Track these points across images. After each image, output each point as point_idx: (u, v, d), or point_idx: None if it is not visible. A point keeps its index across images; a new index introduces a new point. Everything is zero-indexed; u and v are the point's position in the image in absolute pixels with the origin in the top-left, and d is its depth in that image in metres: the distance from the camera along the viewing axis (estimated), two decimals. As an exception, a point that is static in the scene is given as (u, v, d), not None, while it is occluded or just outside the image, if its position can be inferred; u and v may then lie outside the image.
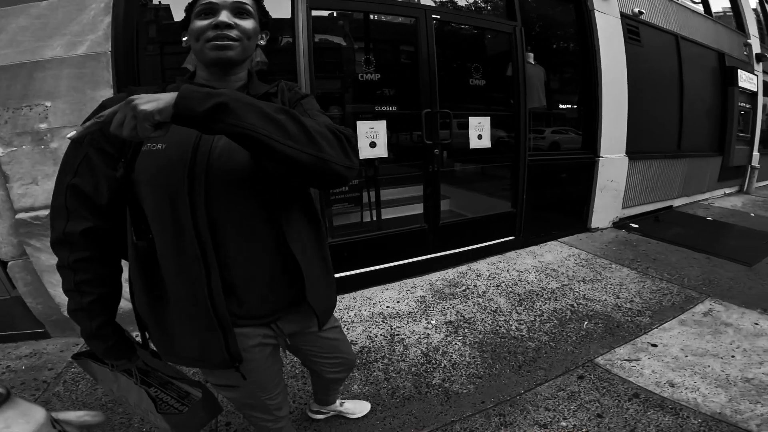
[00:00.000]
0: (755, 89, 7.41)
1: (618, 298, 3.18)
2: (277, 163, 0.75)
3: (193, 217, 0.85)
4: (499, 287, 3.38)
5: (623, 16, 4.86)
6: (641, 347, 2.53)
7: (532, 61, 4.36)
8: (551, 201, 4.40)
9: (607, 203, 4.75)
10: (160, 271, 0.90)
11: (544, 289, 3.32)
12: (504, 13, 4.03)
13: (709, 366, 2.28)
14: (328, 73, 3.44)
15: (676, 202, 6.02)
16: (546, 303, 3.10)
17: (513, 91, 3.93)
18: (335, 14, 3.44)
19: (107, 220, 0.91)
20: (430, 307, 3.01)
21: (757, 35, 8.10)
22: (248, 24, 0.89)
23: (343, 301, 3.10)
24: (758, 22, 8.36)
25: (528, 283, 3.45)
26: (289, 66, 2.85)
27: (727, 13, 7.36)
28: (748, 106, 7.28)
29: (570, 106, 4.85)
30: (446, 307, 3.01)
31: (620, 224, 5.01)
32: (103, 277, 0.94)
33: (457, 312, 2.95)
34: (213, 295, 0.89)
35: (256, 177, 0.87)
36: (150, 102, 0.63)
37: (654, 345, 2.54)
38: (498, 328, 2.76)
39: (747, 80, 7.05)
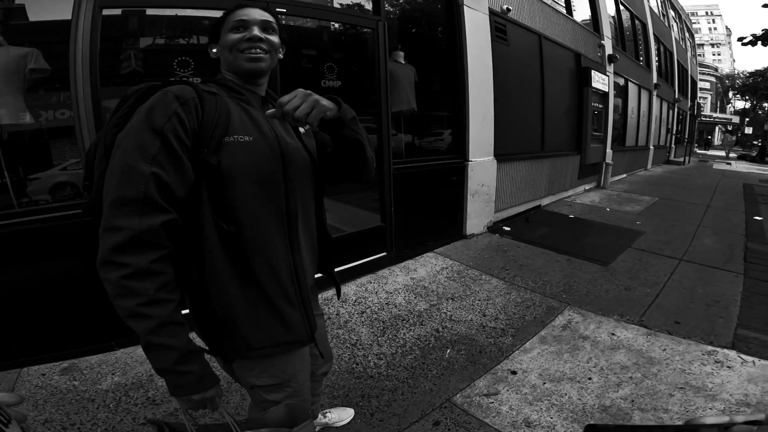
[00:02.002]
0: (607, 90, 8.41)
1: (484, 316, 3.12)
2: (361, 161, 1.16)
3: (287, 203, 1.03)
4: (364, 314, 3.12)
5: (492, 13, 4.98)
6: (501, 376, 2.43)
7: (401, 60, 4.18)
8: (424, 210, 4.29)
9: (480, 208, 4.83)
10: (248, 257, 0.98)
11: (411, 313, 3.15)
12: (370, 8, 3.78)
13: (566, 394, 2.23)
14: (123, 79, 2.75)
15: (544, 201, 6.51)
16: (411, 329, 2.91)
17: (374, 92, 3.68)
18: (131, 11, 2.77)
19: (180, 213, 0.91)
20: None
21: (610, 36, 9.25)
22: (275, 38, 1.06)
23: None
24: (611, 24, 9.60)
25: (395, 306, 3.25)
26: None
27: (584, 20, 8.27)
28: (600, 106, 8.24)
29: (440, 109, 4.80)
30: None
31: (494, 228, 5.16)
32: (174, 279, 0.91)
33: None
34: (297, 272, 1.07)
35: (314, 171, 1.14)
36: (323, 100, 0.93)
37: (514, 372, 2.46)
38: (355, 365, 2.49)
39: (600, 81, 7.94)
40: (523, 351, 2.68)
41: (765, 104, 38.12)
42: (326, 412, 1.96)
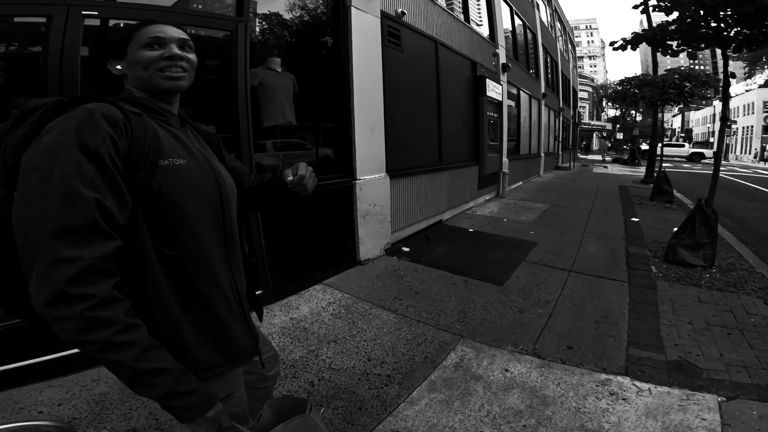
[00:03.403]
0: (501, 99, 8.74)
1: (369, 360, 2.75)
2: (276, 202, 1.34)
3: (224, 221, 1.05)
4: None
5: (385, 16, 4.71)
6: (382, 444, 2.05)
7: (278, 68, 3.70)
8: (308, 238, 3.82)
9: (375, 230, 4.50)
10: (192, 278, 0.96)
11: (285, 363, 2.72)
12: (233, 8, 3.24)
13: (454, 461, 1.91)
14: None
15: (446, 216, 6.44)
16: (281, 385, 2.47)
17: (231, 104, 3.13)
18: None
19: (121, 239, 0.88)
20: (109, 409, 2.20)
21: (504, 45, 9.68)
22: (192, 56, 1.07)
23: None
24: (506, 34, 10.07)
25: None
26: None
27: (479, 24, 8.48)
28: (496, 115, 8.53)
29: (324, 122, 4.37)
30: (135, 408, 2.20)
31: (393, 250, 4.88)
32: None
33: (150, 414, 2.17)
34: (237, 287, 1.10)
35: (237, 193, 1.18)
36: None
37: (396, 435, 2.10)
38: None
39: (494, 90, 8.19)
40: (410, 403, 2.34)
41: (633, 111, 44.36)
42: None
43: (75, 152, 0.80)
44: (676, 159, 30.25)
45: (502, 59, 9.24)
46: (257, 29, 3.83)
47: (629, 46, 4.76)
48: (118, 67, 1.03)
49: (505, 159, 9.19)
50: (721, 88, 4.48)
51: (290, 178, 1.11)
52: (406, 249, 4.96)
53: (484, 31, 8.64)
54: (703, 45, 4.37)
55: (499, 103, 8.69)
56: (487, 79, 7.74)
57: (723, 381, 2.51)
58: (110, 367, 0.80)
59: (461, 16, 7.30)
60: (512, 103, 10.82)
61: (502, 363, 2.72)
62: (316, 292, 3.77)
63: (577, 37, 73.67)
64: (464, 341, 2.98)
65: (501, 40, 9.34)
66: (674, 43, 4.49)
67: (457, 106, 6.87)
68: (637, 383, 2.49)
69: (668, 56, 4.69)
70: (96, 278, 0.78)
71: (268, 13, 3.89)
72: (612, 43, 4.92)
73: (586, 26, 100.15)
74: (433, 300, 3.64)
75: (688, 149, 34.42)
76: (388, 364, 2.70)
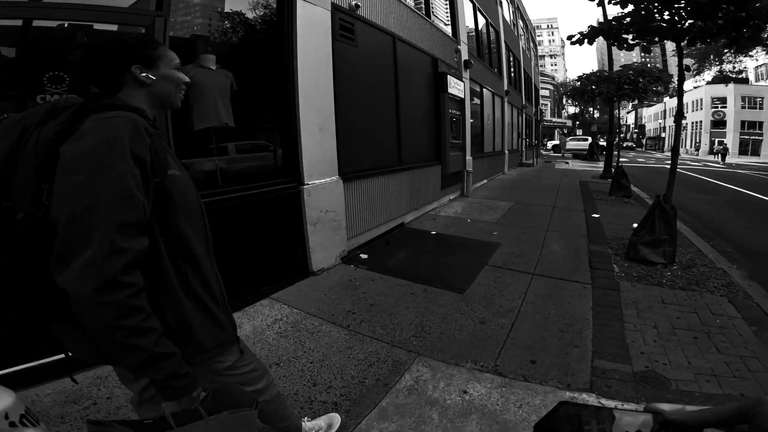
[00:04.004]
0: (463, 96, 8.54)
1: (314, 386, 2.45)
2: None
3: (205, 224, 1.22)
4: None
5: (336, 9, 4.38)
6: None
7: (212, 65, 3.31)
8: (252, 250, 3.46)
9: (328, 238, 4.17)
10: (189, 271, 1.10)
11: None
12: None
13: None
14: None
15: (408, 218, 6.18)
16: None
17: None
18: None
19: None
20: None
21: (467, 42, 9.51)
22: None
23: None
24: (468, 30, 9.89)
25: None
26: None
27: (444, 23, 8.26)
28: (458, 112, 8.32)
29: (267, 123, 3.98)
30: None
31: (350, 257, 4.56)
32: None
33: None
34: (219, 281, 1.25)
35: None
36: None
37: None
38: None
39: (456, 87, 7.98)
40: (356, 436, 2.05)
41: (591, 108, 45.73)
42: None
43: (128, 158, 0.91)
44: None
45: (465, 56, 9.07)
46: (192, 24, 3.42)
47: (586, 40, 4.65)
48: (145, 75, 1.10)
49: (468, 157, 9.04)
50: (675, 82, 4.41)
51: None
52: (364, 256, 4.66)
53: (446, 27, 8.44)
54: (657, 38, 4.28)
55: (462, 101, 8.51)
56: (449, 76, 7.53)
57: (693, 393, 2.35)
58: (127, 351, 0.89)
59: (422, 11, 7.04)
60: (476, 101, 10.72)
61: (461, 383, 2.47)
62: (262, 308, 3.42)
63: (539, 36, 75.59)
64: (420, 359, 2.71)
65: (463, 36, 9.17)
66: (629, 37, 4.39)
67: (418, 104, 6.62)
68: (603, 401, 2.29)
69: (623, 50, 4.61)
70: (136, 269, 0.90)
71: (199, 5, 3.49)
72: (569, 37, 4.80)
73: (548, 25, 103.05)
74: (389, 313, 3.36)
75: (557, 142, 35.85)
76: (335, 389, 2.40)
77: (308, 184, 3.86)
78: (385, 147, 5.51)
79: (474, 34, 11.22)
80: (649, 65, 11.97)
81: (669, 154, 43.90)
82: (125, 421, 1.01)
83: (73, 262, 0.84)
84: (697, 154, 41.10)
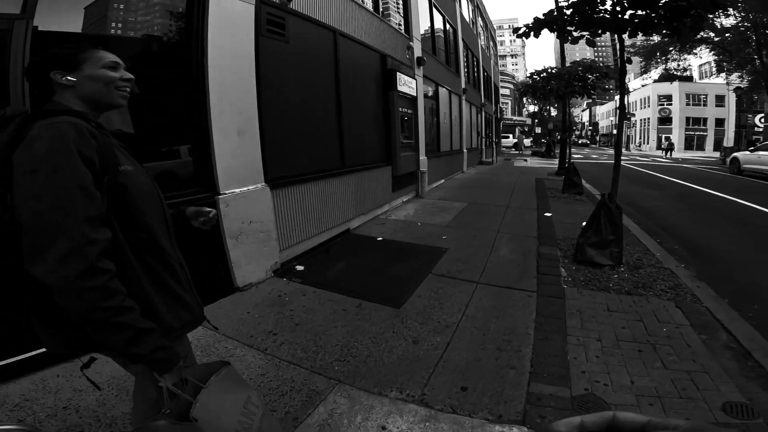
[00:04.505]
0: (416, 94, 8.25)
1: None
2: None
3: (164, 212, 1.29)
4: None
5: (264, 2, 3.96)
6: None
7: None
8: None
9: (255, 251, 3.77)
10: (152, 256, 1.18)
11: (101, 423, 1.98)
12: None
13: None
14: None
15: (354, 223, 5.84)
16: None
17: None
18: None
19: None
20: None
21: (420, 38, 9.23)
22: None
23: None
24: (423, 26, 9.59)
25: (79, 413, 1.99)
26: None
27: (394, 18, 7.93)
28: (410, 111, 8.04)
29: (177, 129, 3.49)
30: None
31: (284, 270, 4.18)
32: None
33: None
34: (183, 265, 1.31)
35: None
36: None
37: None
38: None
39: (407, 84, 7.68)
40: None
41: (548, 106, 47.00)
42: None
43: (77, 159, 0.99)
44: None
45: (418, 52, 8.80)
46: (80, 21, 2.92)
47: (532, 33, 4.45)
48: (64, 78, 1.12)
49: (422, 157, 8.78)
50: (618, 76, 4.28)
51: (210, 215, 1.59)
52: (300, 267, 4.28)
53: (398, 23, 8.14)
54: (600, 30, 4.12)
55: (414, 99, 8.24)
56: (399, 73, 7.22)
57: (632, 420, 2.12)
58: (114, 329, 0.99)
59: (369, 5, 6.69)
60: (431, 99, 10.50)
61: (380, 417, 2.15)
62: (170, 337, 2.98)
63: (500, 36, 77.04)
64: (340, 388, 2.38)
65: (417, 32, 8.90)
66: (573, 29, 4.22)
67: (364, 103, 6.28)
68: (534, 438, 2.03)
69: (570, 43, 4.44)
70: (107, 256, 1.01)
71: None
72: (516, 30, 4.59)
73: (509, 26, 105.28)
74: (315, 333, 3.00)
75: (512, 140, 37.04)
76: None
77: (225, 194, 3.43)
78: (326, 149, 5.14)
79: (430, 31, 11.00)
80: (600, 63, 12.13)
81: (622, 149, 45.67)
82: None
83: (50, 255, 0.92)
84: (640, 150, 43.07)
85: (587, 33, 4.35)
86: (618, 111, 4.40)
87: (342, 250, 4.96)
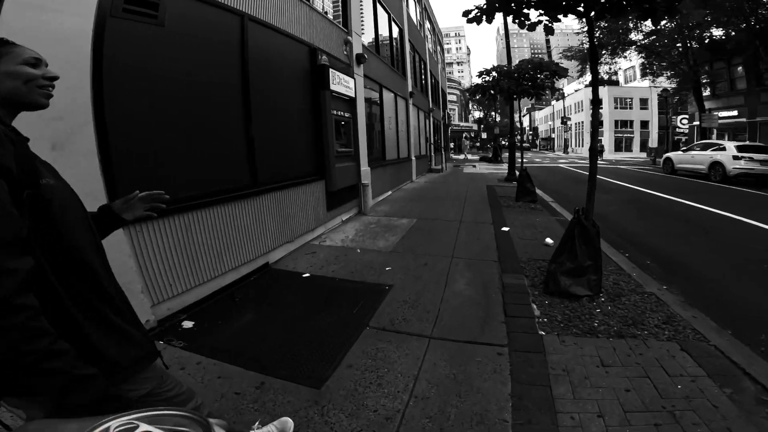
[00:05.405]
0: (354, 95, 7.16)
1: None
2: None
3: (93, 234, 1.11)
4: None
5: None
6: None
7: None
8: None
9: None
10: (84, 285, 1.00)
11: None
12: None
13: None
14: None
15: (276, 254, 4.66)
16: None
17: None
18: None
19: None
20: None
21: (361, 34, 8.23)
22: None
23: None
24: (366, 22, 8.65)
25: None
26: None
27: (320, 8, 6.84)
28: (348, 115, 6.96)
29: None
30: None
31: (165, 329, 3.01)
32: None
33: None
34: (123, 295, 1.14)
35: None
36: None
37: None
38: None
39: (344, 84, 6.59)
40: None
41: (493, 113, 47.99)
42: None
43: None
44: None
45: (358, 49, 7.81)
46: None
47: (484, 17, 3.62)
48: None
49: (364, 168, 7.75)
50: (588, 66, 3.50)
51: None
52: (188, 324, 3.09)
53: (335, 14, 7.12)
54: (563, 13, 3.35)
55: (352, 101, 7.20)
56: (333, 70, 6.15)
57: None
58: (44, 377, 0.81)
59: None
60: (374, 102, 9.56)
61: None
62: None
63: (447, 44, 78.68)
64: None
65: (356, 26, 7.92)
66: (530, 12, 3.42)
67: (286, 105, 5.15)
68: None
69: (525, 29, 3.64)
70: (28, 289, 0.82)
71: None
72: (466, 13, 3.73)
73: (455, 33, 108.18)
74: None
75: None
76: None
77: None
78: (227, 164, 3.94)
79: (373, 28, 10.10)
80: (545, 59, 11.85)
81: (560, 153, 48.00)
82: None
83: None
84: (575, 153, 45.10)
85: (546, 18, 3.60)
86: (592, 105, 3.63)
87: (255, 293, 3.79)
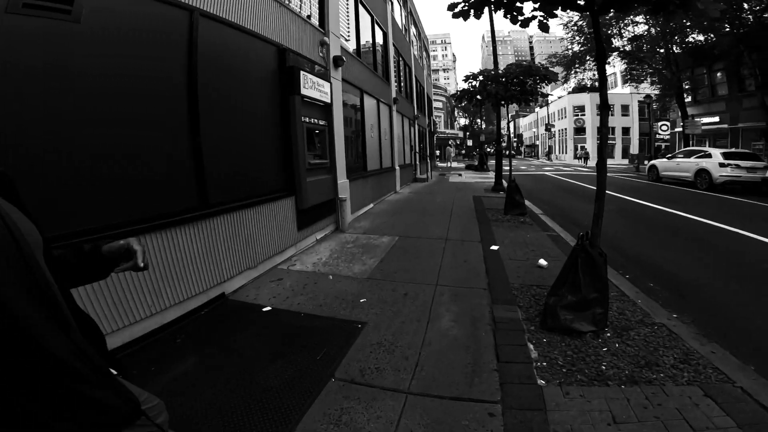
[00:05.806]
0: (330, 100, 6.59)
1: None
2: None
3: (34, 280, 0.81)
4: None
5: None
6: None
7: None
8: None
9: None
10: (19, 354, 0.76)
11: None
12: None
13: None
14: None
15: (235, 283, 4.09)
16: None
17: None
18: None
19: None
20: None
21: (340, 36, 7.72)
22: None
23: None
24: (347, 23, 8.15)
25: None
26: None
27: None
28: (323, 122, 6.38)
29: None
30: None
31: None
32: None
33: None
34: (82, 348, 0.83)
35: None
36: None
37: None
38: None
39: (317, 87, 6.01)
40: None
41: (478, 119, 48.02)
42: None
43: None
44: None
45: (336, 51, 7.28)
46: None
47: (472, 11, 3.16)
48: None
49: (342, 180, 7.20)
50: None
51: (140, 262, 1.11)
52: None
53: (309, 14, 6.61)
54: (560, 7, 2.92)
55: (328, 106, 6.62)
56: (305, 73, 5.59)
57: None
58: None
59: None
60: (354, 108, 9.06)
61: None
62: None
63: (433, 51, 78.87)
64: None
65: (335, 27, 7.40)
66: (525, 6, 2.99)
67: (247, 113, 4.59)
68: None
69: (516, 24, 3.20)
70: None
71: None
72: (452, 6, 3.28)
73: (442, 41, 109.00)
74: None
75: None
76: None
77: None
78: (167, 182, 3.37)
79: (355, 31, 9.61)
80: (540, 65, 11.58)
81: (544, 159, 48.00)
82: None
83: None
84: (558, 159, 45.31)
85: (541, 13, 3.16)
86: (600, 109, 3.20)
87: (202, 332, 3.21)
